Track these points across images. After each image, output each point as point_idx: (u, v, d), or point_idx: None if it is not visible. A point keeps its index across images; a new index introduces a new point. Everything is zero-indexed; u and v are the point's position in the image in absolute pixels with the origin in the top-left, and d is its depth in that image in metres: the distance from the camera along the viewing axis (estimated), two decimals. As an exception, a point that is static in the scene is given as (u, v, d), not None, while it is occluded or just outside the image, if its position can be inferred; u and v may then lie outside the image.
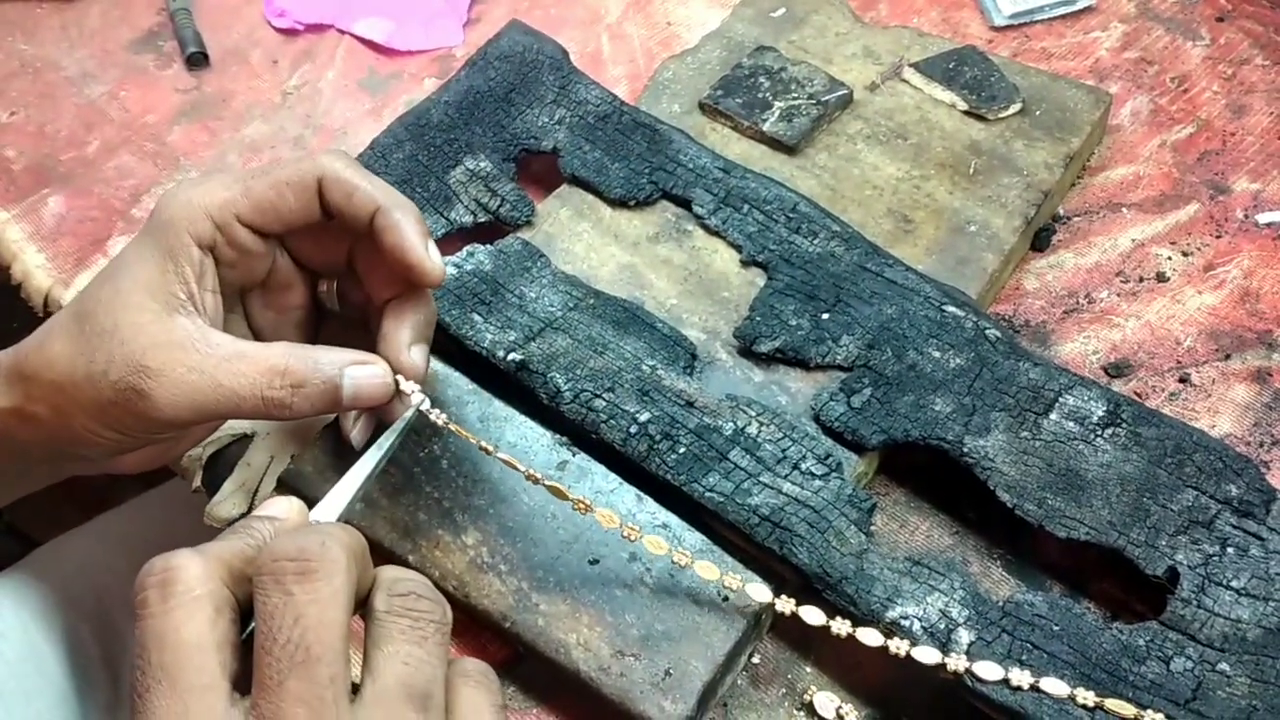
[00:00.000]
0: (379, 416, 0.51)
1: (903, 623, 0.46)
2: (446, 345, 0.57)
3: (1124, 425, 0.51)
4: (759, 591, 0.47)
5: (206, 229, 0.46)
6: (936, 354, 0.53)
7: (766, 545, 0.49)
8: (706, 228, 0.61)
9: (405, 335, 0.48)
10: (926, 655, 0.45)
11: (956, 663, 0.45)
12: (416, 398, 0.48)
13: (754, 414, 0.53)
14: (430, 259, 0.47)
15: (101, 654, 0.71)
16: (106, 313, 0.45)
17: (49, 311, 0.67)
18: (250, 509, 0.56)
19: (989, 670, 0.44)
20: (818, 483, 0.50)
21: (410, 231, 0.46)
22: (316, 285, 0.53)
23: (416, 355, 0.48)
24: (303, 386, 0.45)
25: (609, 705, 0.46)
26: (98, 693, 0.71)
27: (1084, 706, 0.43)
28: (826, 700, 0.48)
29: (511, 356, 0.55)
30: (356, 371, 0.47)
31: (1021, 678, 0.44)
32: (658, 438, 0.52)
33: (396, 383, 0.48)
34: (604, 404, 0.53)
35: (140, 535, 0.79)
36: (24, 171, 0.72)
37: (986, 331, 0.54)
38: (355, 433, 0.50)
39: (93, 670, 0.71)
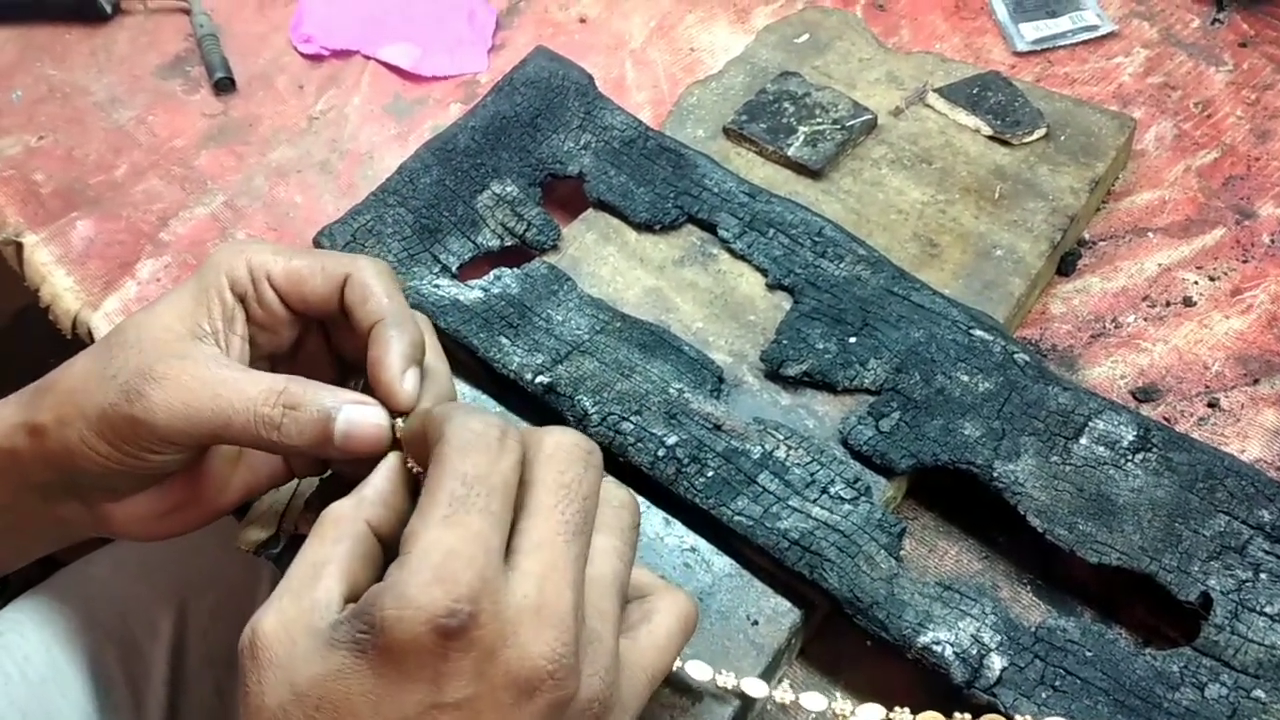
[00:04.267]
0: None
1: (935, 648, 0.46)
2: (474, 367, 0.57)
3: (1155, 450, 0.50)
4: (755, 687, 0.47)
5: (242, 278, 0.47)
6: (965, 378, 0.53)
7: (796, 569, 0.48)
8: (732, 251, 0.61)
9: (395, 362, 0.45)
10: None
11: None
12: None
13: (782, 437, 0.53)
14: (403, 389, 0.45)
15: (124, 676, 0.71)
16: (134, 329, 0.46)
17: (77, 334, 0.68)
18: (278, 532, 0.56)
19: None
20: (847, 507, 0.50)
21: (395, 353, 0.45)
22: (347, 379, 0.51)
23: (409, 384, 0.45)
24: (295, 409, 0.44)
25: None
26: (121, 714, 0.71)
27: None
28: (869, 715, 0.47)
29: (539, 379, 0.55)
30: (353, 411, 0.44)
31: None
32: (686, 461, 0.52)
33: (393, 428, 0.44)
34: (631, 427, 0.53)
35: (164, 559, 0.79)
36: (53, 195, 0.73)
37: (1015, 356, 0.54)
38: None
39: (116, 693, 0.71)
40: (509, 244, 0.63)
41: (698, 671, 0.47)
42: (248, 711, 0.36)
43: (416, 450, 0.43)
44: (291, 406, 0.44)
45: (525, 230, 0.63)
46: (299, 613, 0.37)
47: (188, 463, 0.48)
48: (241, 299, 0.48)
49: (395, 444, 0.44)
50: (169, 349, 0.45)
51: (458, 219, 0.63)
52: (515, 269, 0.61)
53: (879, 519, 0.50)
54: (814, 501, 0.51)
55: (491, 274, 0.61)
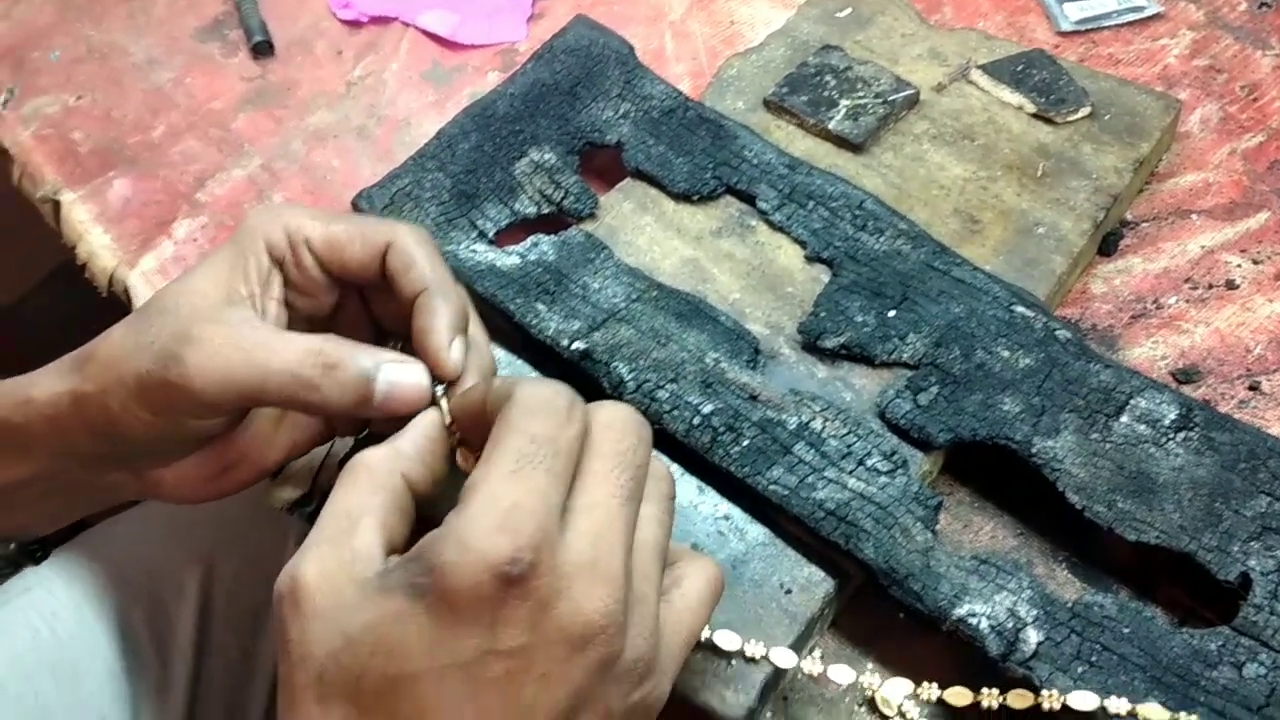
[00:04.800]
0: None
1: (970, 620, 0.46)
2: (510, 333, 0.57)
3: (1196, 429, 0.50)
4: (784, 657, 0.46)
5: (279, 241, 0.47)
6: (1005, 354, 0.53)
7: (832, 539, 0.48)
8: (770, 223, 0.61)
9: (442, 331, 0.45)
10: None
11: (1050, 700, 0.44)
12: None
13: (818, 409, 0.52)
14: (450, 358, 0.45)
15: (151, 636, 0.72)
16: (170, 296, 0.46)
17: (113, 292, 0.68)
18: (312, 490, 0.56)
19: (1083, 700, 0.43)
20: (883, 479, 0.50)
21: (442, 323, 0.45)
22: (385, 344, 0.50)
23: (456, 352, 0.45)
24: (335, 369, 0.43)
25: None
26: (147, 673, 0.71)
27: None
28: (896, 689, 0.47)
29: (575, 345, 0.55)
30: (393, 371, 0.44)
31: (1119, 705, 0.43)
32: (721, 429, 0.52)
33: (434, 395, 0.45)
34: (667, 395, 0.53)
35: (191, 520, 0.79)
36: (91, 154, 0.73)
37: (1056, 332, 0.53)
38: None
39: (142, 652, 0.71)
40: (546, 211, 0.63)
41: (726, 641, 0.47)
42: (290, 662, 0.36)
43: (467, 420, 0.43)
44: (331, 366, 0.44)
45: (563, 198, 0.63)
46: (340, 563, 0.37)
47: (229, 426, 0.48)
48: (279, 263, 0.48)
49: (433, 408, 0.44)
50: (204, 314, 0.45)
51: (495, 185, 0.63)
52: (552, 236, 0.61)
53: (915, 492, 0.50)
54: (850, 473, 0.50)
55: (529, 240, 0.60)
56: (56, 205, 0.71)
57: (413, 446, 0.42)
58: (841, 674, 0.47)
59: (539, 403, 0.38)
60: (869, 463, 0.51)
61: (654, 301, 0.57)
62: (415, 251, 0.46)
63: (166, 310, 0.45)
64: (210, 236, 0.68)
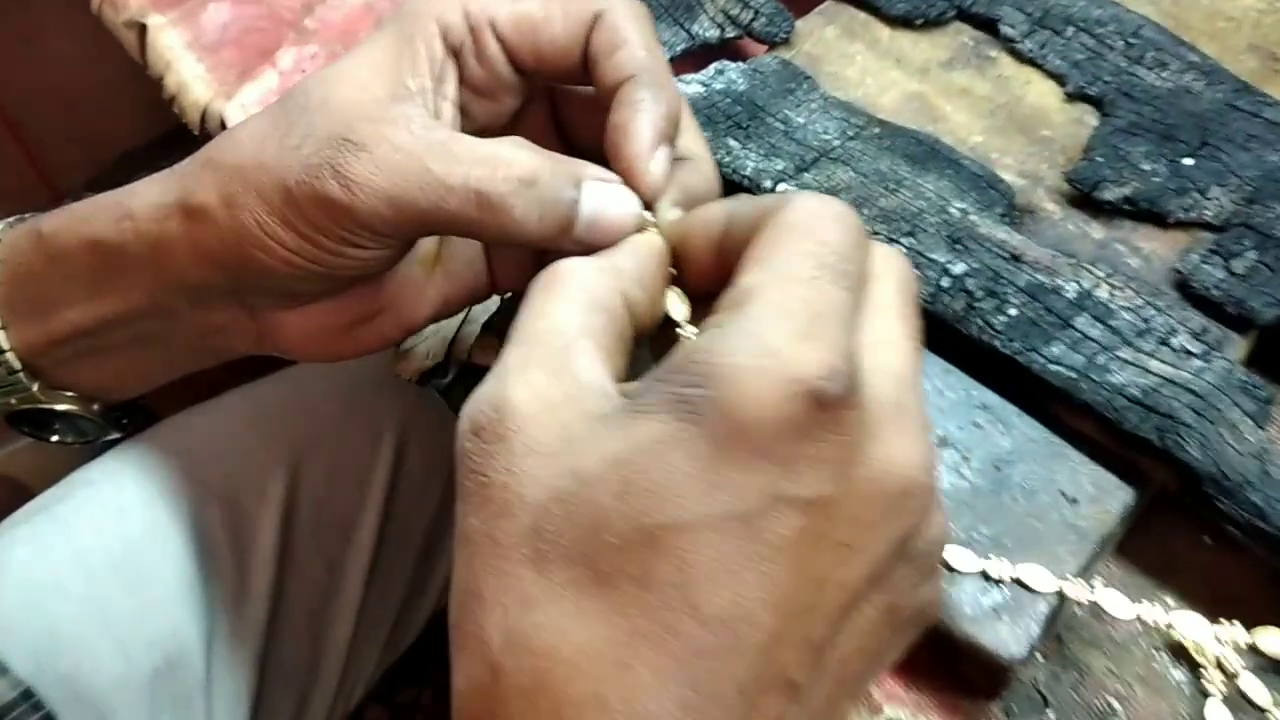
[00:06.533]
0: None
1: (1340, 546, 0.34)
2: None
3: None
4: (1040, 578, 0.35)
5: (457, 25, 0.36)
6: (1350, 211, 0.41)
7: (1139, 434, 0.37)
8: (1017, 54, 0.49)
9: (644, 131, 0.34)
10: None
11: None
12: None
13: (1102, 274, 0.41)
14: (649, 168, 0.34)
15: (229, 540, 0.63)
16: (320, 88, 0.35)
17: (205, 129, 0.58)
18: (448, 358, 0.45)
19: None
20: (1197, 363, 0.38)
21: (645, 121, 0.34)
22: None
23: (658, 165, 0.34)
24: (534, 184, 0.33)
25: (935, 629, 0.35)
26: (223, 582, 0.62)
27: None
28: (1202, 630, 0.36)
29: (781, 187, 0.44)
30: (599, 190, 0.34)
31: None
32: (979, 294, 0.40)
33: (645, 221, 0.34)
34: (904, 250, 0.41)
35: (277, 413, 0.69)
36: (182, -26, 0.62)
37: None
38: None
39: (220, 557, 0.62)
40: (730, 35, 0.51)
41: (962, 561, 0.36)
42: (488, 511, 0.26)
43: (685, 249, 0.33)
44: (528, 181, 0.33)
45: (752, 19, 0.51)
46: (564, 392, 0.26)
47: (389, 262, 0.37)
48: (455, 53, 0.36)
49: None
50: (365, 111, 0.34)
51: (669, 3, 0.52)
52: (740, 63, 0.49)
53: (1241, 380, 0.38)
54: (1150, 354, 0.39)
55: (712, 68, 0.49)
56: (142, 30, 0.61)
57: (635, 266, 0.31)
58: (1131, 609, 0.36)
59: (834, 211, 0.28)
60: (1174, 342, 0.39)
61: (876, 140, 0.46)
62: (627, 27, 0.35)
63: (317, 106, 0.35)
64: (320, 66, 0.57)
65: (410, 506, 0.69)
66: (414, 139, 0.33)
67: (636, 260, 0.31)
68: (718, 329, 0.26)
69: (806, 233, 0.27)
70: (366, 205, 0.33)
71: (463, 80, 0.37)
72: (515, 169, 0.33)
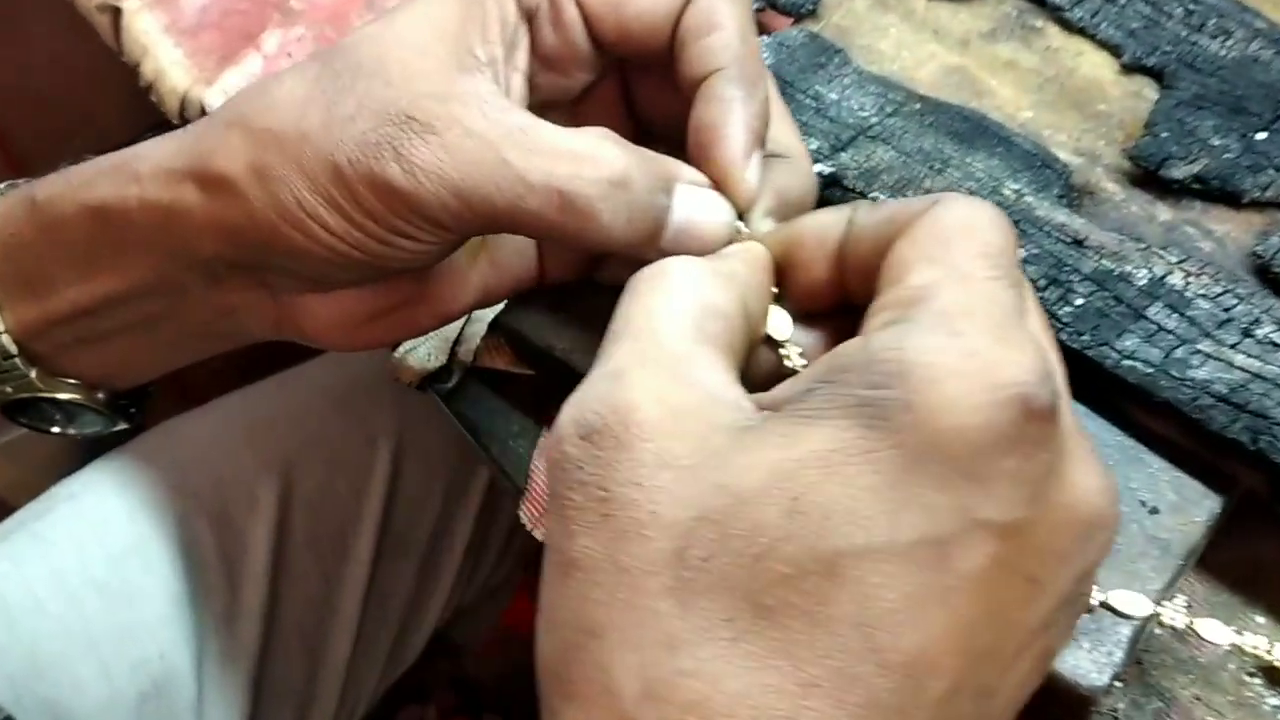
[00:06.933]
0: None
1: None
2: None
3: None
4: (1133, 603, 0.32)
5: None
6: None
7: (1229, 435, 0.33)
8: (1065, 23, 0.45)
9: (738, 135, 0.31)
10: None
11: None
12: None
13: (1174, 260, 0.37)
14: (742, 179, 0.31)
15: (218, 553, 0.59)
16: (372, 46, 0.31)
17: (184, 118, 0.54)
18: (452, 358, 0.41)
19: None
20: (1286, 356, 0.35)
21: (739, 123, 0.31)
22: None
23: (753, 173, 0.31)
24: (625, 186, 0.29)
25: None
26: (213, 599, 0.59)
27: None
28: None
29: (818, 168, 0.40)
30: (693, 196, 0.30)
31: None
32: (1042, 283, 0.37)
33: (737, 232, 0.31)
34: (954, 236, 0.38)
35: (267, 420, 0.65)
36: (159, -47, 0.58)
37: None
38: None
39: (209, 572, 0.59)
40: (754, 8, 0.47)
41: None
42: (609, 529, 0.22)
43: (792, 261, 0.29)
44: (620, 183, 0.29)
45: (776, -9, 0.47)
46: (694, 403, 0.23)
47: (440, 256, 0.33)
48: (530, 17, 0.33)
49: None
50: (431, 83, 0.30)
51: (686, -26, 0.48)
52: (764, 37, 0.45)
53: (1336, 375, 0.34)
54: (1234, 347, 0.35)
55: (734, 42, 0.45)
56: (117, 14, 0.57)
57: (749, 274, 0.28)
58: (1216, 631, 0.33)
59: (990, 213, 0.26)
60: (1258, 333, 0.35)
61: (917, 116, 0.42)
62: (724, 10, 0.31)
63: (368, 72, 0.31)
64: (308, 49, 0.54)
65: (409, 518, 0.65)
66: (489, 124, 0.29)
67: (750, 269, 0.28)
68: (900, 325, 0.22)
69: (970, 233, 0.24)
70: (432, 195, 0.29)
71: (533, 49, 0.33)
72: (604, 169, 0.29)
